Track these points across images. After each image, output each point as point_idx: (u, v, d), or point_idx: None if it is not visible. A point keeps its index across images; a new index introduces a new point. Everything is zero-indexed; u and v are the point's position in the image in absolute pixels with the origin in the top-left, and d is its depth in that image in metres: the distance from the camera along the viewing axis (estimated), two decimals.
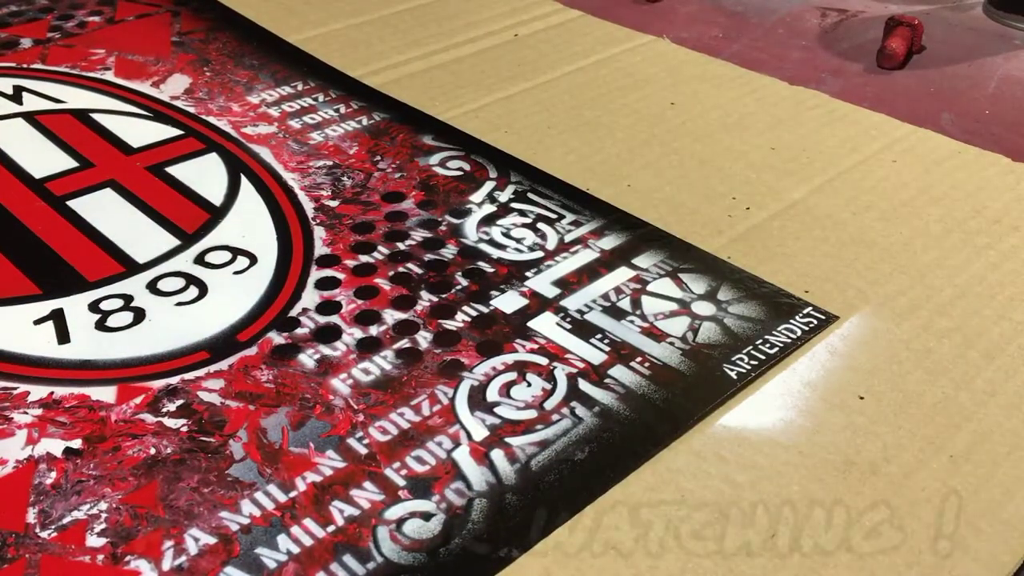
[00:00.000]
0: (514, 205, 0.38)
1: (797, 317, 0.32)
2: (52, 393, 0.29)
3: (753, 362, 0.30)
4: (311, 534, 0.25)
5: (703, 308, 0.33)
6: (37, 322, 0.31)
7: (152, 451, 0.27)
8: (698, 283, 0.34)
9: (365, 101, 0.45)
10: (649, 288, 0.34)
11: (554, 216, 0.37)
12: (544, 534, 0.25)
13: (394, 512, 0.25)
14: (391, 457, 0.27)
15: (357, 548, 0.24)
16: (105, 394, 0.29)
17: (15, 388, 0.29)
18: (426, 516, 0.25)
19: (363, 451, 0.27)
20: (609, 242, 0.36)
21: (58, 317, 0.32)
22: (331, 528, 0.25)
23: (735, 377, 0.30)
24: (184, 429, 0.28)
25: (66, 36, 0.49)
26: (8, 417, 0.28)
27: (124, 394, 0.29)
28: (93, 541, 0.24)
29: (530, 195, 0.38)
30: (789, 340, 0.31)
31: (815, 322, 0.32)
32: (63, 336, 0.31)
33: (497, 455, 0.27)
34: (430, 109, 0.44)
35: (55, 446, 0.27)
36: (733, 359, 0.31)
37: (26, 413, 0.28)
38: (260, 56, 0.48)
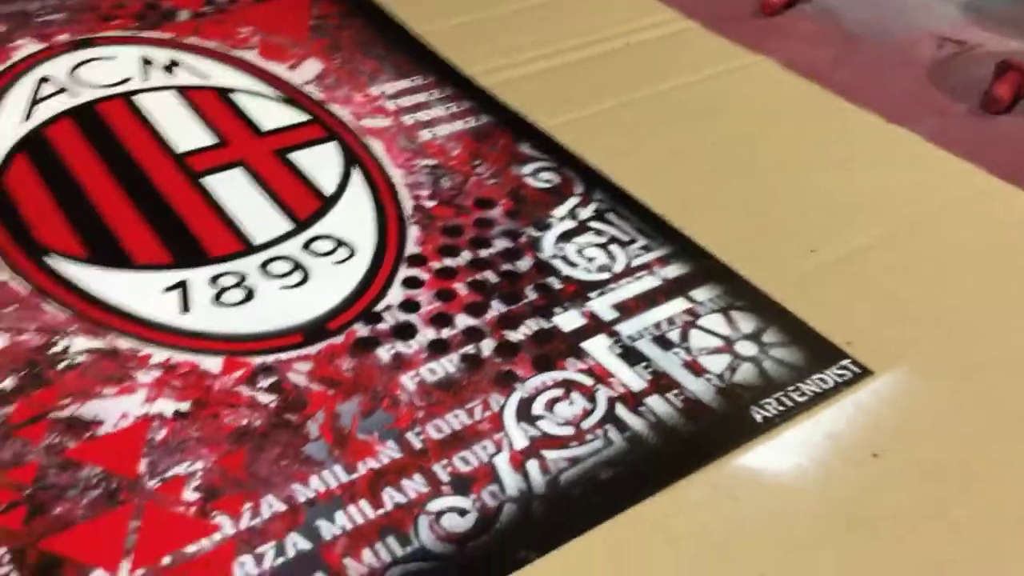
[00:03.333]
0: (592, 224, 0.41)
1: (834, 368, 0.35)
2: (170, 358, 0.34)
3: (781, 408, 0.33)
4: (363, 514, 0.29)
5: (746, 348, 0.36)
6: (166, 290, 0.37)
7: (244, 422, 0.32)
8: (747, 322, 0.37)
9: (474, 101, 0.48)
10: (699, 322, 0.37)
11: (626, 239, 0.40)
12: (560, 542, 0.29)
13: (435, 505, 0.30)
14: (441, 454, 0.31)
15: (400, 532, 0.29)
16: (212, 364, 0.34)
17: (140, 350, 0.34)
18: (462, 512, 0.29)
19: (418, 445, 0.31)
20: (673, 271, 0.39)
21: (183, 287, 0.37)
22: (380, 511, 0.29)
23: (760, 421, 0.33)
24: (273, 405, 0.32)
25: (218, 11, 0.54)
26: (133, 376, 0.33)
27: (228, 366, 0.34)
28: (188, 495, 0.29)
29: (608, 215, 0.42)
30: (820, 391, 0.34)
31: (850, 375, 0.35)
32: (185, 306, 0.36)
33: (532, 465, 0.31)
34: (533, 115, 0.48)
35: (168, 407, 0.32)
36: (763, 402, 0.33)
37: (147, 374, 0.33)
38: (387, 46, 0.52)
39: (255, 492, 0.30)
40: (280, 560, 0.28)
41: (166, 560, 0.27)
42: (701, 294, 0.38)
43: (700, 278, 0.39)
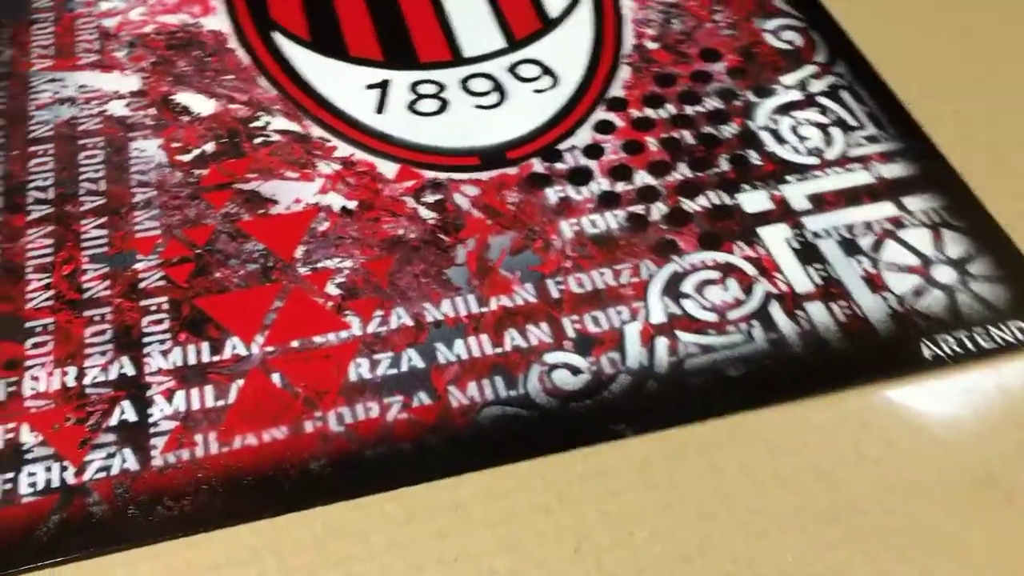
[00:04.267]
0: (820, 100, 0.37)
1: None
2: (352, 155, 0.35)
3: (959, 349, 0.30)
4: (481, 348, 0.30)
5: (943, 274, 0.32)
6: (368, 87, 0.37)
7: (400, 232, 0.33)
8: (956, 246, 0.32)
9: None
10: (900, 233, 0.33)
11: (854, 124, 0.36)
12: (661, 427, 0.28)
13: (552, 357, 0.29)
14: (574, 309, 0.31)
15: (509, 374, 0.29)
16: (388, 169, 0.35)
17: (329, 141, 0.35)
18: (575, 371, 0.29)
19: (555, 295, 0.31)
20: (892, 170, 0.35)
21: (384, 87, 0.37)
22: (498, 350, 0.30)
23: (929, 357, 0.30)
24: (431, 222, 0.33)
25: None
26: (315, 165, 0.35)
27: (402, 174, 0.34)
28: (330, 288, 0.31)
29: (842, 92, 0.37)
30: (1013, 341, 0.30)
31: None
32: (380, 106, 0.37)
33: (660, 342, 0.30)
34: None
35: (336, 201, 0.33)
36: (939, 336, 0.30)
37: (328, 165, 0.35)
38: None
39: (389, 301, 0.31)
40: (392, 371, 0.29)
41: (294, 344, 0.29)
42: (915, 203, 0.34)
43: (921, 184, 0.34)
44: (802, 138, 0.36)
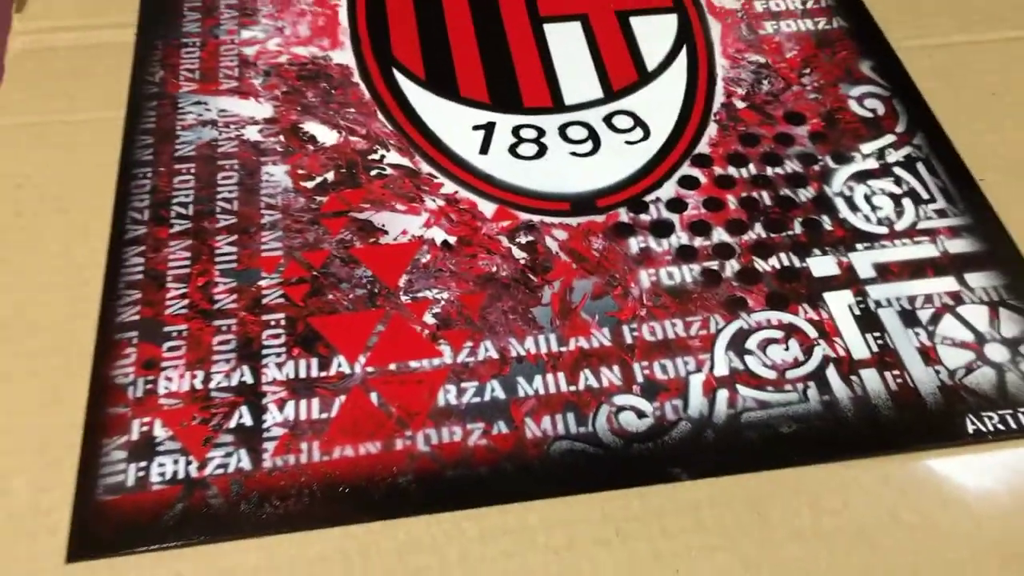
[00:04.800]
0: (896, 170, 0.39)
1: None
2: (456, 192, 0.38)
3: (1002, 426, 0.32)
4: (557, 385, 0.33)
5: (996, 352, 0.34)
6: (475, 128, 0.41)
7: (493, 269, 0.36)
8: (1012, 325, 0.34)
9: (837, 1, 0.46)
10: (959, 309, 0.35)
11: (926, 197, 0.38)
12: (716, 474, 0.31)
13: (620, 399, 0.33)
14: (645, 355, 0.34)
15: (580, 412, 0.32)
16: (487, 208, 0.38)
17: (437, 177, 0.39)
18: (640, 414, 0.32)
19: (629, 340, 0.34)
20: (958, 245, 0.37)
21: (489, 129, 0.41)
22: (572, 388, 0.33)
23: (971, 431, 0.32)
24: (522, 261, 0.36)
25: None
26: (423, 199, 0.38)
27: (499, 214, 0.38)
28: (427, 317, 0.35)
29: (919, 165, 0.39)
30: None
31: None
32: (485, 147, 0.40)
33: (721, 394, 0.33)
34: (893, 29, 0.45)
35: (439, 235, 0.37)
36: (985, 414, 0.32)
37: (434, 201, 0.38)
38: None
39: (479, 334, 0.34)
40: (476, 399, 0.32)
41: (392, 367, 0.33)
42: (977, 279, 0.36)
43: (985, 262, 0.36)
44: (874, 207, 0.38)
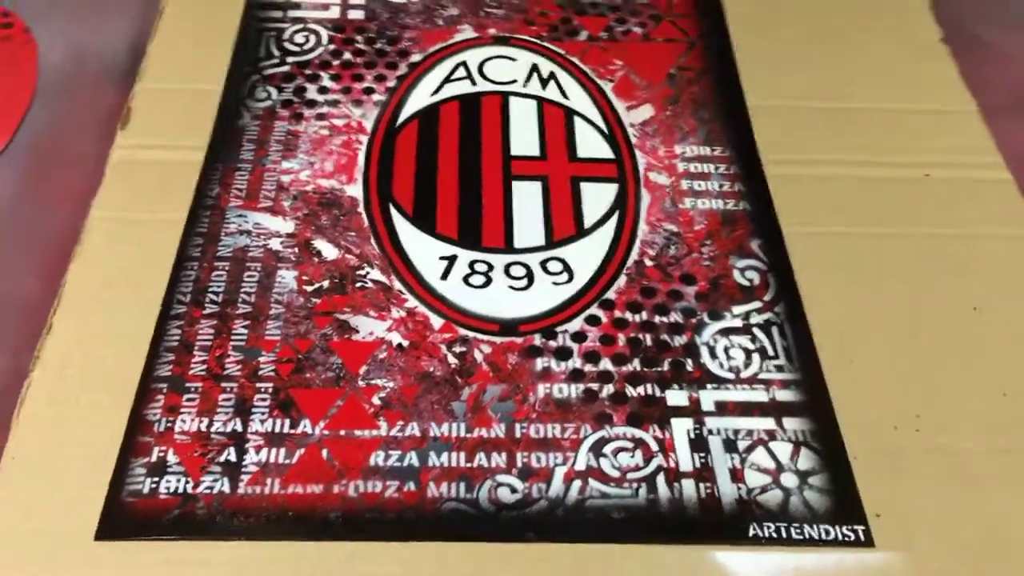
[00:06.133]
0: (755, 330, 0.51)
1: (844, 528, 0.43)
2: (416, 307, 0.51)
3: (775, 535, 0.43)
4: (458, 461, 0.45)
5: (788, 479, 0.45)
6: (441, 258, 0.54)
7: (431, 369, 0.49)
8: (807, 461, 0.46)
9: (747, 186, 0.58)
10: (771, 444, 0.46)
11: (771, 354, 0.50)
12: (558, 540, 0.43)
13: (501, 478, 0.44)
14: (527, 447, 0.46)
15: (470, 483, 0.44)
16: (437, 323, 0.51)
17: (404, 294, 0.52)
18: (513, 490, 0.44)
19: (518, 435, 0.46)
20: (785, 395, 0.48)
21: (452, 260, 0.54)
22: (468, 464, 0.45)
23: (751, 536, 0.43)
24: (453, 366, 0.49)
25: (609, 40, 0.67)
26: (390, 310, 0.51)
27: (444, 328, 0.50)
28: (375, 399, 0.47)
29: (773, 328, 0.51)
30: (818, 539, 0.43)
31: (851, 537, 0.43)
32: (445, 275, 0.53)
33: (576, 484, 0.44)
34: (786, 216, 0.57)
35: (396, 338, 0.50)
36: (765, 524, 0.43)
37: (398, 311, 0.51)
38: (715, 110, 0.63)
39: (408, 416, 0.47)
40: (397, 464, 0.45)
41: (342, 432, 0.46)
42: (791, 423, 0.47)
43: (801, 410, 0.48)
44: (729, 357, 0.50)
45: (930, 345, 0.50)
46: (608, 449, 0.46)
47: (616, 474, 0.45)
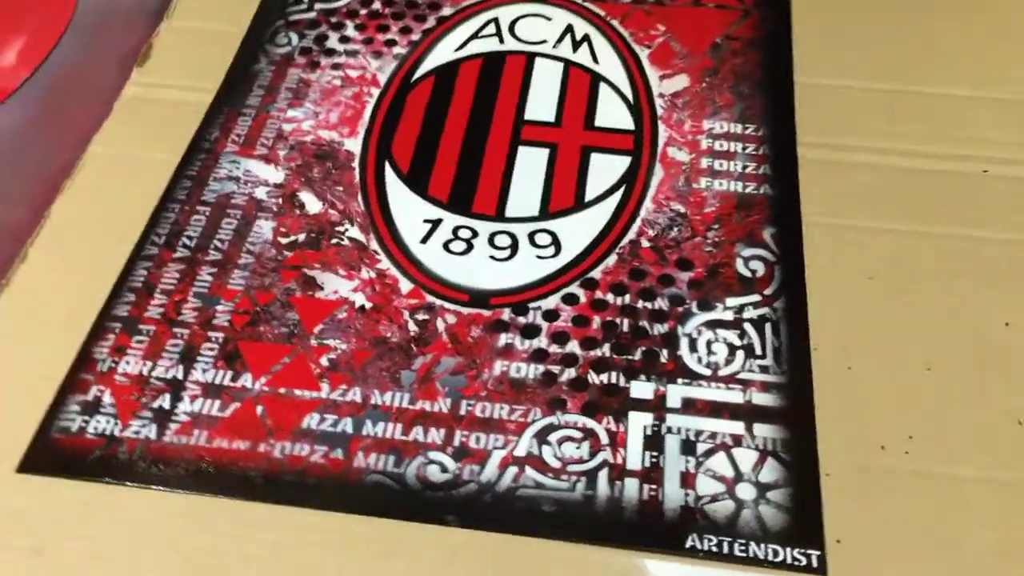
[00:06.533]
0: (745, 325, 0.46)
1: (796, 551, 0.39)
2: (388, 269, 0.49)
3: (715, 549, 0.39)
4: (393, 432, 0.43)
5: (744, 491, 0.41)
6: (424, 221, 0.51)
7: (388, 334, 0.46)
8: (771, 473, 0.41)
9: (774, 170, 0.53)
10: (734, 451, 0.42)
11: (758, 353, 0.45)
12: (480, 528, 0.40)
13: (434, 455, 0.42)
14: (468, 426, 0.43)
15: (399, 457, 0.42)
16: (405, 287, 0.48)
17: (378, 254, 0.50)
18: (444, 469, 0.42)
19: (463, 412, 0.43)
20: (763, 399, 0.44)
21: (436, 224, 0.51)
22: (402, 438, 0.42)
23: (687, 547, 0.39)
24: (412, 334, 0.46)
25: (657, 4, 0.63)
26: (360, 269, 0.49)
27: (412, 294, 0.48)
28: (323, 360, 0.45)
29: (767, 326, 0.46)
30: (763, 559, 0.39)
31: (802, 562, 0.38)
32: (426, 239, 0.50)
33: (511, 470, 0.41)
34: (808, 205, 0.51)
35: (359, 299, 0.48)
36: (707, 536, 0.39)
37: (368, 272, 0.49)
38: (757, 86, 0.58)
39: (354, 380, 0.44)
40: (330, 428, 0.43)
41: (281, 390, 0.44)
42: (762, 430, 0.43)
43: (776, 417, 0.43)
44: (711, 352, 0.45)
45: (945, 360, 0.45)
46: (554, 437, 0.43)
47: (556, 464, 0.42)
